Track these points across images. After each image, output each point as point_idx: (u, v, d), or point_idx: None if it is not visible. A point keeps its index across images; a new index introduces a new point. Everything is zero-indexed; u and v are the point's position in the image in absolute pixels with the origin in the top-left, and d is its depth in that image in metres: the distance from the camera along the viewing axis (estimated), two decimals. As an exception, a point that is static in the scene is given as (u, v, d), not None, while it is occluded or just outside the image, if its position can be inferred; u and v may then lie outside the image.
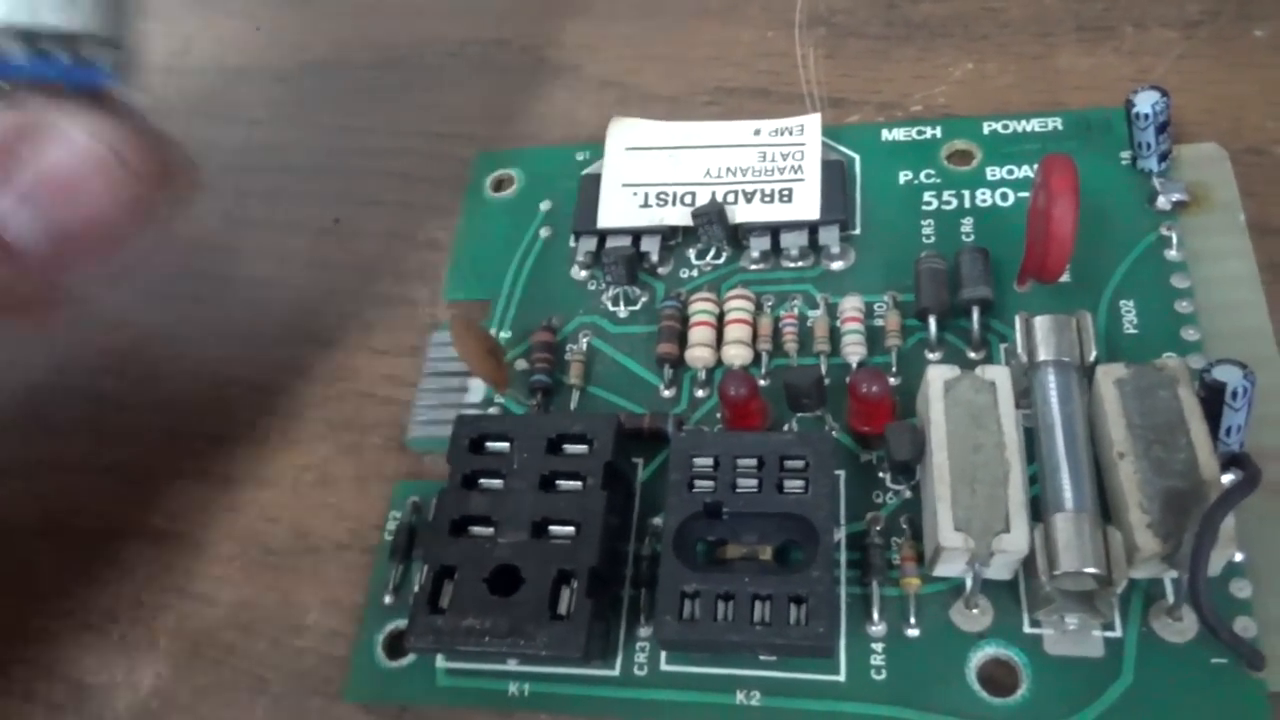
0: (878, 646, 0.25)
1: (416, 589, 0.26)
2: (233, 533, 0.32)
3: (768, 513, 0.25)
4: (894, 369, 0.29)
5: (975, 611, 0.25)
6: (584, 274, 0.33)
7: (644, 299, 0.32)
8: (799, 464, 0.26)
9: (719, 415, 0.29)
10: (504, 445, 0.28)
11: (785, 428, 0.29)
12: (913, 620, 0.25)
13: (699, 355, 0.30)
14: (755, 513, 0.25)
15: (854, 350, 0.29)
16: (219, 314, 0.37)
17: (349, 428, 0.33)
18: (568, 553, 0.25)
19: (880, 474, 0.27)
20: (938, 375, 0.26)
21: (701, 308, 0.30)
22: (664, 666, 0.26)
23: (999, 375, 0.26)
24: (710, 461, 0.26)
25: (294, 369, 0.34)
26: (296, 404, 0.34)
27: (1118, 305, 0.28)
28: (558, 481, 0.27)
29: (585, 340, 0.32)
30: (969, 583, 0.25)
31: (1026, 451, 0.25)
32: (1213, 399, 0.24)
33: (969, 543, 0.23)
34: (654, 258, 0.32)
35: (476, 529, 0.26)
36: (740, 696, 0.25)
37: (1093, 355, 0.26)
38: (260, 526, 0.32)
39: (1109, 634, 0.24)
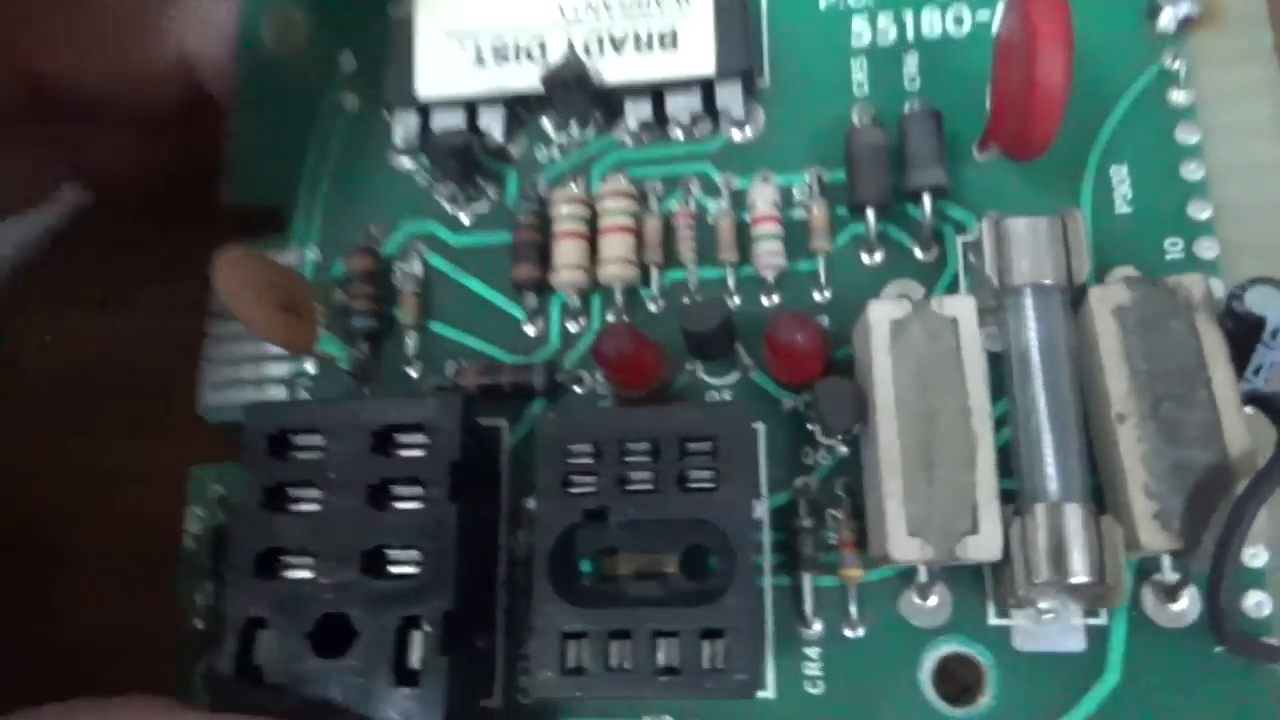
0: (812, 652, 0.20)
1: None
2: (97, 540, 0.26)
3: (668, 519, 0.19)
4: (822, 280, 0.22)
5: (931, 603, 0.20)
6: (408, 164, 0.25)
7: (491, 193, 0.24)
8: (705, 446, 0.19)
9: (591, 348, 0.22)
10: (316, 440, 0.21)
11: (688, 368, 0.22)
12: (855, 617, 0.20)
13: (569, 279, 0.23)
14: (652, 520, 0.19)
15: (770, 261, 0.22)
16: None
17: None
18: (413, 592, 0.19)
19: (809, 426, 0.21)
20: (881, 315, 0.19)
21: (568, 212, 0.23)
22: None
23: (961, 309, 0.19)
24: (589, 449, 0.20)
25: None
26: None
27: (1106, 173, 0.22)
28: (392, 490, 0.20)
29: (418, 259, 0.24)
30: (922, 572, 0.20)
31: (996, 414, 0.19)
32: (1244, 333, 0.18)
33: (926, 551, 0.18)
34: (497, 136, 0.24)
35: (291, 562, 0.20)
36: (650, 725, 0.20)
37: (1085, 273, 0.19)
38: (129, 533, 0.25)
39: (1091, 622, 0.19)
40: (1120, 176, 0.22)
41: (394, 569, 0.20)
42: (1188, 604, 0.19)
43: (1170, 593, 0.19)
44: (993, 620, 0.20)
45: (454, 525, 0.19)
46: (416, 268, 0.24)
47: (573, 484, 0.20)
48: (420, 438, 0.20)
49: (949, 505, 0.18)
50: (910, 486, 0.18)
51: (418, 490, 0.20)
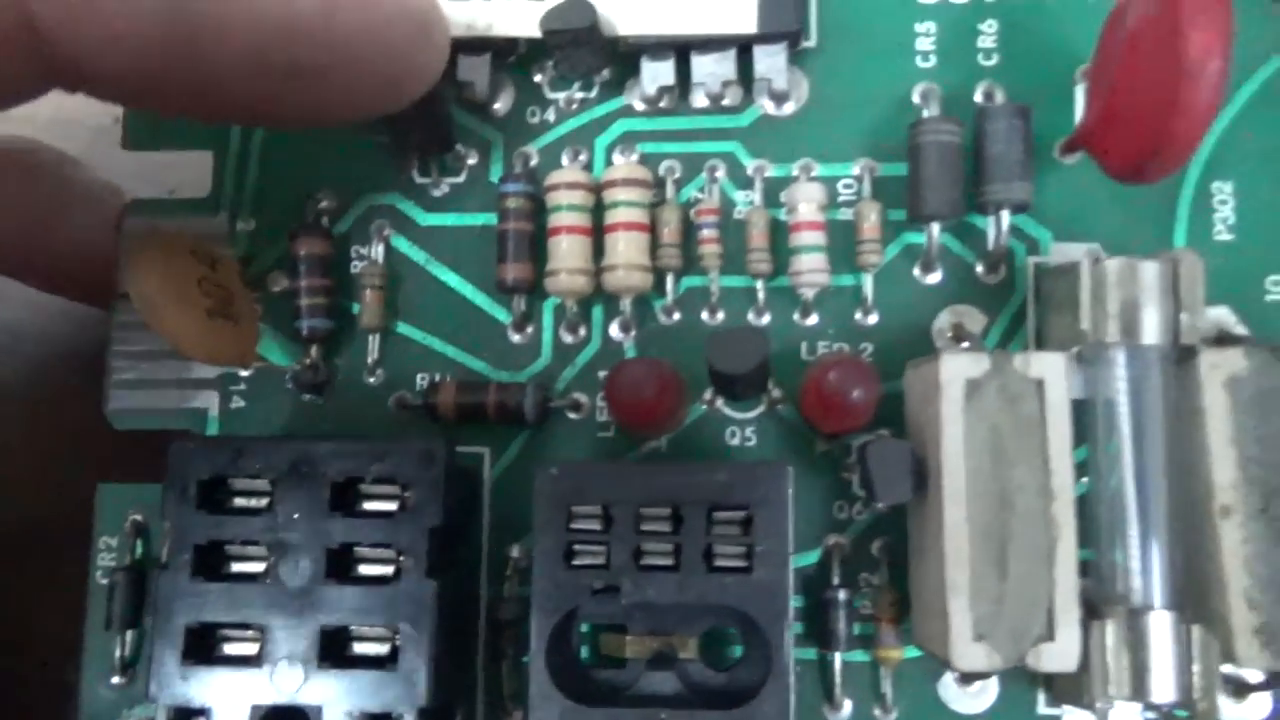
0: (839, 738, 0.18)
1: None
2: None
3: (691, 604, 0.16)
4: (868, 299, 0.19)
5: (974, 686, 0.18)
6: (366, 119, 0.20)
7: (471, 161, 0.20)
8: (736, 516, 0.16)
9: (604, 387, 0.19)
10: (258, 484, 0.17)
11: (704, 399, 0.19)
12: (888, 699, 0.18)
13: (568, 285, 0.19)
14: (672, 604, 0.16)
15: (812, 278, 0.18)
16: None
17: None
18: (380, 686, 0.16)
19: (844, 475, 0.19)
20: (956, 373, 0.16)
21: (569, 201, 0.19)
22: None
23: (1049, 369, 0.16)
24: (597, 513, 0.17)
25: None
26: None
27: (1208, 189, 0.19)
28: (357, 564, 0.17)
29: (381, 242, 0.20)
30: (969, 653, 0.17)
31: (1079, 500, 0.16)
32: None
33: (993, 659, 0.16)
34: (480, 89, 0.19)
35: (232, 648, 0.17)
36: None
37: (1197, 333, 0.16)
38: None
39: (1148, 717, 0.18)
40: (1224, 195, 0.19)
41: (359, 648, 0.17)
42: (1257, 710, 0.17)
43: (1240, 692, 0.17)
44: (1043, 709, 0.18)
45: (431, 606, 0.16)
46: (378, 252, 0.20)
47: (576, 555, 0.17)
48: (391, 488, 0.17)
49: (1022, 606, 0.16)
50: (978, 582, 0.16)
51: (386, 569, 0.17)
